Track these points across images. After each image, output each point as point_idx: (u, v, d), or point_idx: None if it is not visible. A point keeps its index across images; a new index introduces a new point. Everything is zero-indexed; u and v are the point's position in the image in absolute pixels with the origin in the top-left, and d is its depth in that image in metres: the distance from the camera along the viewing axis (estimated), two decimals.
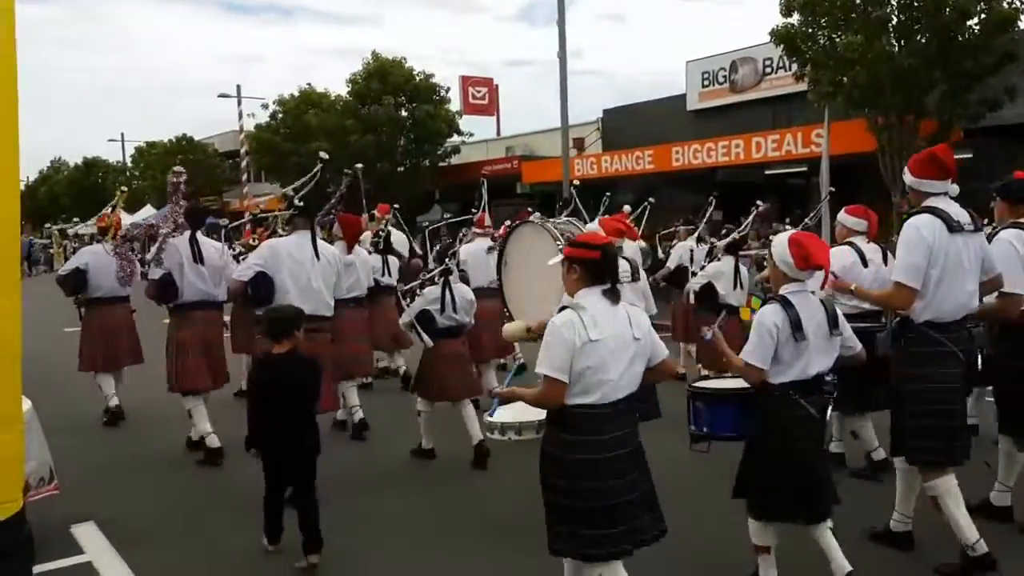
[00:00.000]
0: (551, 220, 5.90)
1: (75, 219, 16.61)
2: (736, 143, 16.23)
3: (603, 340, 2.65)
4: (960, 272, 3.23)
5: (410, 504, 4.49)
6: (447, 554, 3.77)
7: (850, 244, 4.34)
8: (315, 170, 5.38)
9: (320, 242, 4.80)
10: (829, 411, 3.13)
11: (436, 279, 5.32)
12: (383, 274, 7.22)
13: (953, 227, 3.19)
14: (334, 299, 4.93)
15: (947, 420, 3.24)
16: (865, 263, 4.30)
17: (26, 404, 3.50)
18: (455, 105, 23.13)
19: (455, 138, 22.68)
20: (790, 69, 13.27)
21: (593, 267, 2.78)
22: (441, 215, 14.65)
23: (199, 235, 5.47)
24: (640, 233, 7.94)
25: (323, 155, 5.86)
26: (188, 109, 75.15)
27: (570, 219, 6.05)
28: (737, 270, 6.19)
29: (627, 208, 8.03)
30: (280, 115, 23.10)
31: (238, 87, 25.86)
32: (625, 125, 20.93)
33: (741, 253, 6.59)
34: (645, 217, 8.35)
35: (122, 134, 38.98)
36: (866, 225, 4.43)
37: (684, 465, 4.03)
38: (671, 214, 10.96)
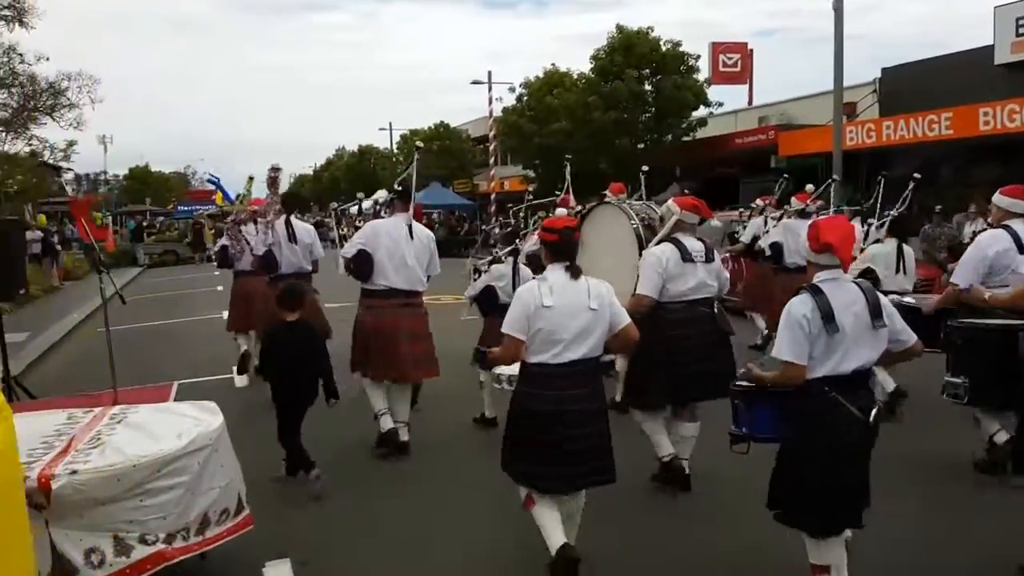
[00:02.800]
0: (627, 202, 5.67)
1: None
2: None
3: (555, 307, 3.05)
4: None
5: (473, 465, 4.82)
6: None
7: (1005, 228, 4.07)
8: (413, 159, 5.80)
9: (415, 223, 5.04)
10: (874, 412, 2.80)
11: (504, 258, 5.61)
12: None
13: None
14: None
15: None
16: (1022, 249, 4.03)
17: (214, 420, 3.19)
18: (703, 75, 21.37)
19: (701, 110, 20.99)
20: None
21: (554, 247, 3.21)
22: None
23: (293, 218, 6.37)
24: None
25: (419, 144, 6.43)
26: (447, 99, 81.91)
27: (648, 203, 5.73)
28: (900, 253, 5.63)
29: (810, 187, 7.32)
30: (525, 98, 23.47)
31: (489, 73, 27.06)
32: (910, 86, 17.51)
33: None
34: (831, 195, 7.71)
35: (390, 123, 43.28)
36: None
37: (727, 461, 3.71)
38: (968, 190, 8.57)
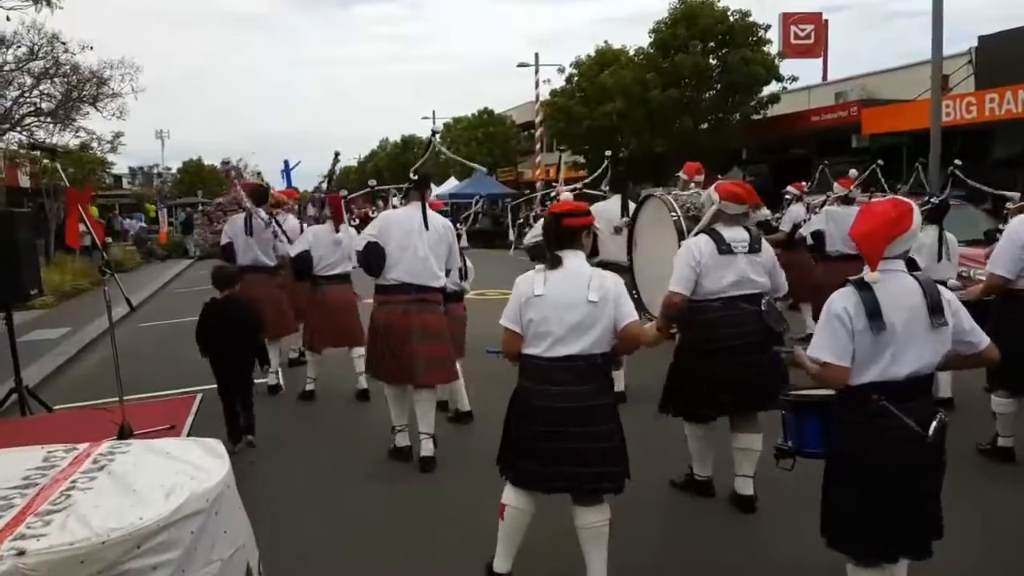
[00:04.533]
0: (672, 192, 5.44)
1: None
2: None
3: (546, 296, 2.93)
4: None
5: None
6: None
7: None
8: (431, 144, 5.57)
9: (433, 214, 4.70)
10: (934, 426, 2.38)
11: None
12: None
13: None
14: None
15: None
16: None
17: (217, 470, 2.37)
18: (774, 48, 19.75)
19: (773, 85, 19.38)
20: None
21: (548, 234, 3.10)
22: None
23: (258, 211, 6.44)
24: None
25: (434, 128, 6.31)
26: (491, 86, 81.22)
27: (698, 191, 5.40)
28: (942, 240, 5.55)
29: (853, 172, 7.30)
30: (576, 78, 22.31)
31: (536, 55, 26.12)
32: (1011, 55, 15.70)
33: None
34: (874, 181, 7.61)
35: (433, 112, 42.55)
36: None
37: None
38: None
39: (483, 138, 33.44)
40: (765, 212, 7.82)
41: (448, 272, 4.83)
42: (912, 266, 5.22)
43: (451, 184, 29.37)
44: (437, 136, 5.69)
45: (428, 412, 4.64)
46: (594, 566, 2.94)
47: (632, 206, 5.85)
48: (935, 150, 12.52)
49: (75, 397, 6.39)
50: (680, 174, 6.82)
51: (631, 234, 5.72)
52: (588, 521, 2.96)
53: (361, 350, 6.12)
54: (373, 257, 4.55)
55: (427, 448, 4.59)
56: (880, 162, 7.52)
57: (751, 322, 3.61)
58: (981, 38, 17.33)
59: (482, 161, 32.14)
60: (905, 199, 2.65)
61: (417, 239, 4.53)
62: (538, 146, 27.00)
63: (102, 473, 2.42)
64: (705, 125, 19.49)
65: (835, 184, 7.13)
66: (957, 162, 6.36)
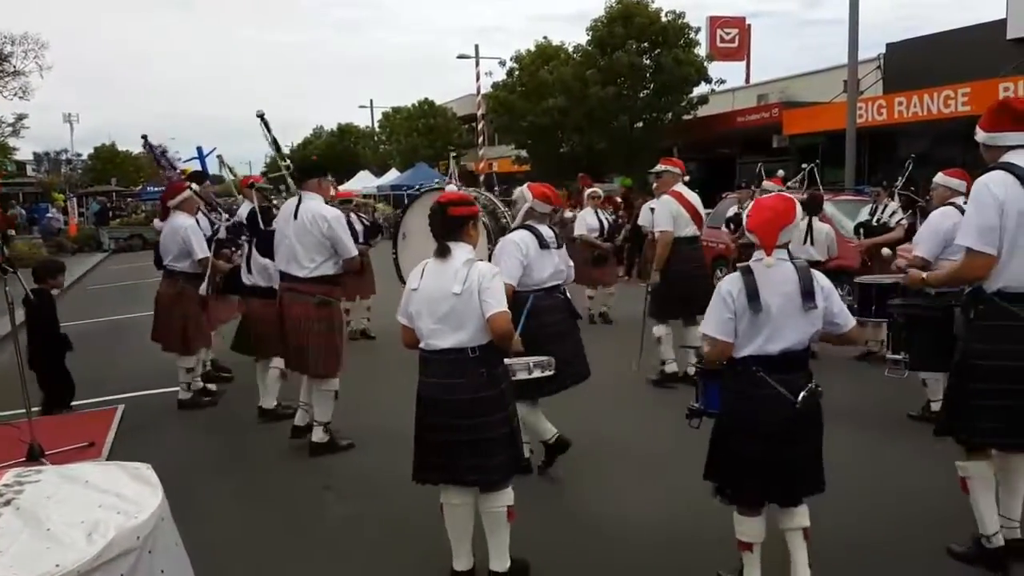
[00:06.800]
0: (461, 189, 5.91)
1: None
2: None
3: (420, 290, 3.04)
4: None
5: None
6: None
7: (952, 204, 4.50)
8: (267, 129, 5.58)
9: (312, 205, 4.61)
10: (802, 395, 2.73)
11: (240, 241, 5.70)
12: None
13: None
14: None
15: (1017, 400, 2.90)
16: None
17: (148, 501, 2.11)
18: (702, 50, 20.34)
19: (702, 87, 19.97)
20: None
21: (434, 224, 3.13)
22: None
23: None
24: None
25: (260, 112, 6.04)
26: (432, 78, 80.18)
27: (479, 189, 5.82)
28: (810, 227, 6.40)
29: (781, 173, 7.89)
30: (516, 72, 22.28)
31: (476, 47, 25.84)
32: (916, 62, 16.74)
33: None
34: (805, 182, 8.38)
35: (371, 100, 41.68)
36: (967, 186, 4.56)
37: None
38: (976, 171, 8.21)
39: (425, 129, 32.99)
40: (568, 215, 8.95)
41: (342, 263, 4.78)
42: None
43: (393, 175, 28.81)
44: (262, 122, 5.54)
45: (320, 401, 4.74)
46: (493, 549, 3.06)
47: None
48: (850, 149, 13.19)
49: None
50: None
51: (398, 225, 6.35)
52: (486, 506, 3.07)
53: (189, 360, 5.85)
54: (261, 243, 4.96)
55: (316, 434, 4.75)
56: (818, 162, 8.45)
57: (563, 308, 4.25)
58: (889, 45, 18.35)
59: (424, 153, 31.70)
60: (789, 195, 2.98)
61: (286, 227, 4.63)
62: (480, 139, 26.81)
63: (8, 509, 2.17)
64: (640, 124, 19.88)
65: (765, 182, 7.78)
66: (804, 166, 7.15)
